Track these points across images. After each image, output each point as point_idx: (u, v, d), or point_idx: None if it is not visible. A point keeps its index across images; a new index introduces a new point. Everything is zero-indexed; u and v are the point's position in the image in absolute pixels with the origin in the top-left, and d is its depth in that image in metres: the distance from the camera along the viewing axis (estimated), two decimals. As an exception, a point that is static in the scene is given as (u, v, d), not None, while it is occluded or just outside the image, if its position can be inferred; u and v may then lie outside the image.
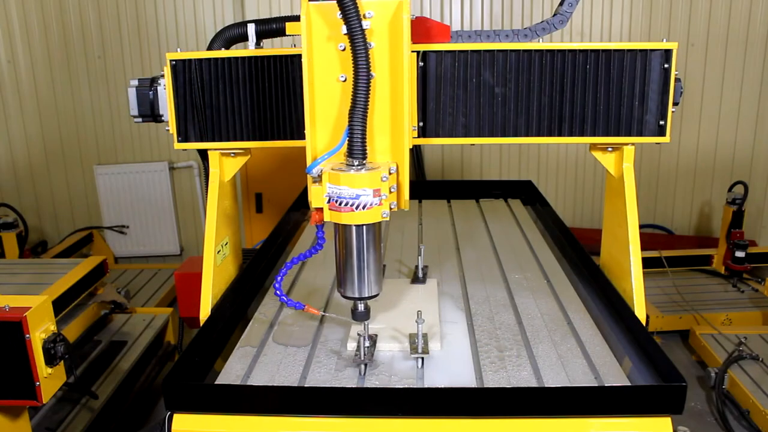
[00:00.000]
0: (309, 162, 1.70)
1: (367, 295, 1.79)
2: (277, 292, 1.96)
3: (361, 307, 1.83)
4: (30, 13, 5.76)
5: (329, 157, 1.69)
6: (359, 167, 1.63)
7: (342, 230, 1.71)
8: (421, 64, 1.98)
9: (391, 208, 1.67)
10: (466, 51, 1.98)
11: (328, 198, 1.64)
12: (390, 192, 1.66)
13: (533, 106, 2.02)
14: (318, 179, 1.65)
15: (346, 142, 1.64)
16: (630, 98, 2.00)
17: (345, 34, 1.62)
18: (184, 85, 2.08)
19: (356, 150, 1.63)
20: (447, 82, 2.01)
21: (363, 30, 1.60)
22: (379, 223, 1.70)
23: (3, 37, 5.80)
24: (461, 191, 3.77)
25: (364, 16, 1.65)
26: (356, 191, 1.60)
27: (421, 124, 2.03)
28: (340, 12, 1.60)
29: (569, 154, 6.06)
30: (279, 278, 1.96)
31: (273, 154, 4.34)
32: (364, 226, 1.69)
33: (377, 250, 1.75)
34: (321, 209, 1.67)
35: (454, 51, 1.98)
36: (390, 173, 1.66)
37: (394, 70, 1.70)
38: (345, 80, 1.71)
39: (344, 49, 1.68)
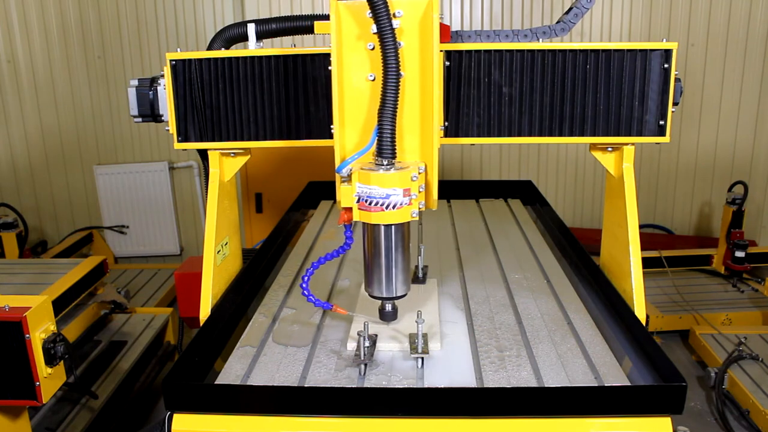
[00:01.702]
0: (338, 162, 1.70)
1: (395, 295, 1.79)
2: (305, 292, 1.94)
3: (388, 307, 1.84)
4: (30, 13, 5.76)
5: (359, 157, 1.69)
6: (389, 167, 1.63)
7: (371, 230, 1.71)
8: (447, 63, 1.98)
9: (419, 208, 1.68)
10: (480, 51, 1.98)
11: (357, 198, 1.64)
12: (419, 192, 1.67)
13: (536, 105, 2.02)
14: (347, 179, 1.65)
15: (376, 141, 1.64)
16: (630, 98, 2.00)
17: (374, 33, 1.62)
18: (184, 85, 2.08)
19: (386, 149, 1.63)
20: (466, 81, 2.01)
21: (393, 29, 1.60)
22: (408, 223, 1.70)
23: (3, 36, 5.80)
24: (461, 191, 3.77)
25: (394, 15, 1.65)
26: (386, 191, 1.61)
27: (446, 123, 2.03)
28: (369, 11, 1.60)
29: (569, 154, 6.06)
30: (306, 278, 1.94)
31: (273, 154, 4.34)
32: (393, 226, 1.69)
33: (406, 250, 1.75)
34: (350, 209, 1.67)
35: (471, 51, 1.97)
36: (419, 173, 1.66)
37: (424, 69, 1.70)
38: (374, 79, 1.71)
39: (373, 48, 1.68)
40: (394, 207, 1.62)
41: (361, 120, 1.73)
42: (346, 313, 1.99)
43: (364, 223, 1.70)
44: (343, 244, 1.89)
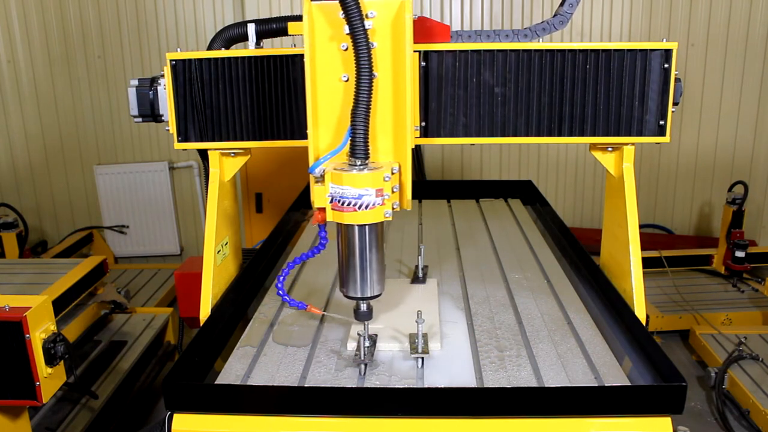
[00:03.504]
0: (311, 162, 1.70)
1: (369, 295, 1.79)
2: (280, 292, 1.96)
3: (363, 306, 1.83)
4: (30, 13, 5.76)
5: (332, 157, 1.69)
6: (362, 167, 1.63)
7: (344, 230, 1.71)
8: (423, 64, 1.98)
9: (393, 208, 1.68)
10: (467, 51, 1.98)
11: (330, 198, 1.64)
12: (392, 192, 1.66)
13: (533, 105, 2.02)
14: (320, 179, 1.66)
15: (349, 141, 1.65)
16: (630, 98, 2.00)
17: (347, 34, 1.62)
18: (184, 85, 2.08)
19: (359, 150, 1.63)
20: (448, 82, 2.01)
21: (365, 30, 1.60)
22: (382, 222, 1.70)
23: (3, 36, 5.80)
24: (461, 191, 3.77)
25: (367, 16, 1.65)
26: (359, 191, 1.60)
27: (423, 124, 2.03)
28: (342, 12, 1.60)
29: (569, 154, 6.06)
30: (281, 278, 1.97)
31: (273, 154, 4.34)
32: (367, 226, 1.69)
33: (380, 249, 1.75)
34: (323, 209, 1.67)
35: (455, 51, 1.98)
36: (392, 173, 1.66)
37: (397, 69, 1.70)
38: (347, 80, 1.71)
39: (346, 49, 1.68)
40: (366, 207, 1.62)
41: (335, 120, 1.73)
42: (321, 313, 1.99)
43: (337, 224, 1.70)
44: (318, 245, 1.89)
